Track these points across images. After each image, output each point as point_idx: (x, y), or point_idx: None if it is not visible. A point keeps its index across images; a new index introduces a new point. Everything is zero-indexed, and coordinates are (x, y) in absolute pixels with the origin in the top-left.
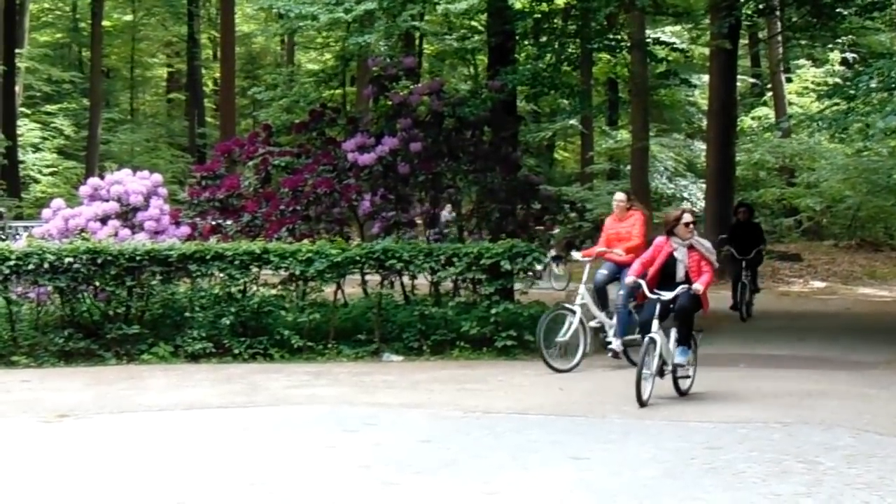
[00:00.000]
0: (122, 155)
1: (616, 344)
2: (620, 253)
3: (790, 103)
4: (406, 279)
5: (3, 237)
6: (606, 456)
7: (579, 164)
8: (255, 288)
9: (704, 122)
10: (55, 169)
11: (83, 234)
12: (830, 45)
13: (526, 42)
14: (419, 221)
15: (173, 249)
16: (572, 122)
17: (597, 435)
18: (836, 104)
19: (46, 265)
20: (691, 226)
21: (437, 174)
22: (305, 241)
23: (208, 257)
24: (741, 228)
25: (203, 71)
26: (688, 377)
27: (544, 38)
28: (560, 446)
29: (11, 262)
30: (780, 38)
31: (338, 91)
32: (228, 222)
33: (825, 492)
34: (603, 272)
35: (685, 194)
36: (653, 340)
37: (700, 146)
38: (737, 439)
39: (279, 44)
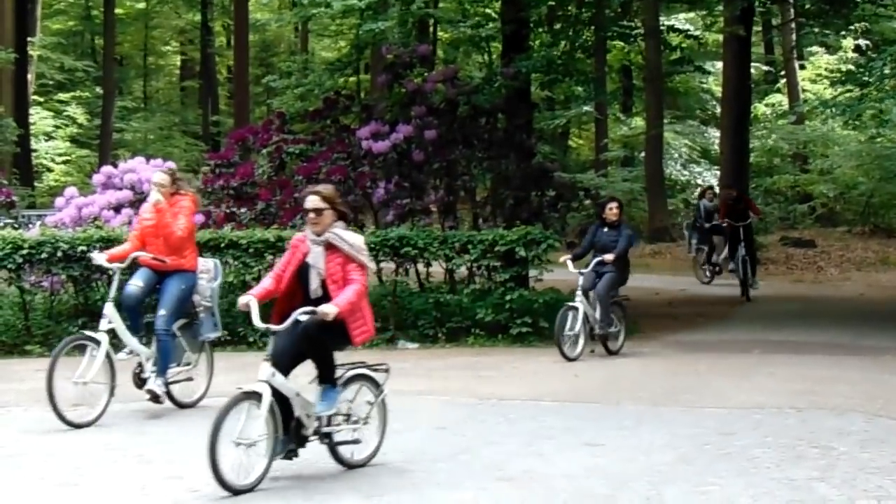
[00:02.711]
0: (135, 143)
1: (156, 384)
2: (164, 259)
3: (803, 90)
4: (421, 266)
5: (16, 226)
6: (621, 442)
7: (594, 152)
8: None
9: (718, 109)
10: (68, 157)
11: (96, 222)
12: (843, 32)
13: (540, 29)
14: (434, 209)
15: None
16: (587, 109)
17: (611, 421)
18: (850, 91)
19: (60, 254)
20: (312, 214)
21: (451, 161)
22: None
23: (222, 245)
24: (602, 232)
25: (217, 59)
26: (358, 441)
27: (558, 26)
28: (574, 433)
29: (24, 251)
30: (793, 24)
31: (352, 79)
32: (242, 210)
33: (839, 476)
34: (137, 284)
35: (699, 181)
36: (252, 394)
37: (714, 133)
38: (751, 425)
39: (293, 32)
